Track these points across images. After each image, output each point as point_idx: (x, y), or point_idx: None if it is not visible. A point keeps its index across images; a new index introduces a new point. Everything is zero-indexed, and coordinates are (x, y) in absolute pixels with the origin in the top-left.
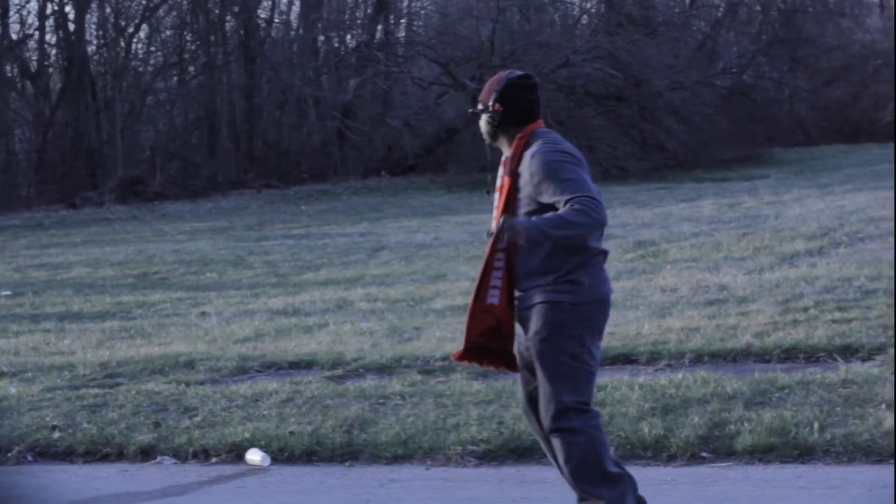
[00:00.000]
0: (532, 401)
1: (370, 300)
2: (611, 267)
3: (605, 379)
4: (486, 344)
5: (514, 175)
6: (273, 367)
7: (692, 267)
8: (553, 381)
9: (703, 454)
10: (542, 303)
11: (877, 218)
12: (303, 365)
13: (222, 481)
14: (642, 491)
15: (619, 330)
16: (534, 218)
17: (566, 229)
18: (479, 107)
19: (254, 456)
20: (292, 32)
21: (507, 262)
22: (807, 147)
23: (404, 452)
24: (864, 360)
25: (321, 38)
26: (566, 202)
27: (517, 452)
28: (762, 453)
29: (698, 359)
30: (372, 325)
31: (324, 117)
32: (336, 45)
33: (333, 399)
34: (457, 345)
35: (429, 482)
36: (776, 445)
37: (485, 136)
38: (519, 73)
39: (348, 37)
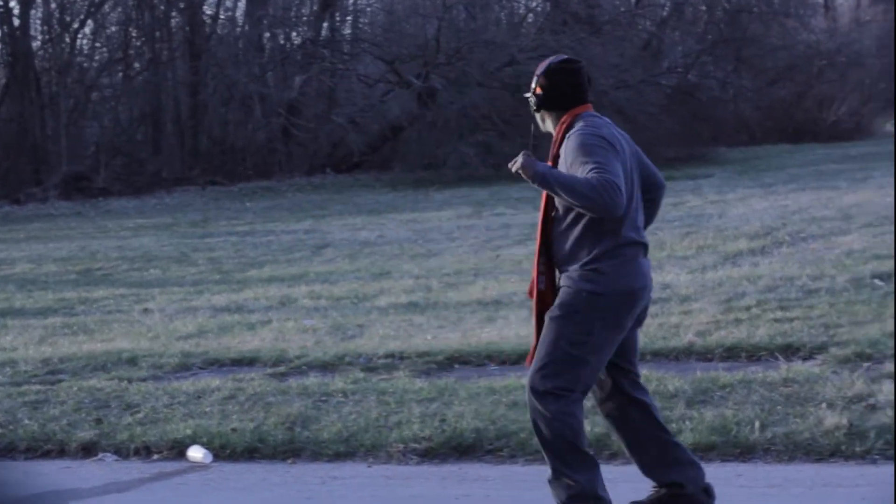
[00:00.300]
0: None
1: (314, 297)
2: None
3: None
4: None
5: (555, 158)
6: (216, 364)
7: None
8: (545, 359)
9: None
10: (565, 286)
11: (819, 218)
12: (245, 362)
13: (164, 478)
14: None
15: None
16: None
17: (569, 190)
18: (528, 93)
19: (196, 453)
20: (238, 29)
21: (545, 246)
22: (751, 147)
23: (346, 450)
24: (805, 359)
25: (267, 34)
26: (588, 172)
27: (459, 450)
28: (703, 451)
29: (640, 357)
30: (315, 322)
31: (269, 114)
32: (282, 41)
33: (276, 396)
34: (400, 342)
35: (370, 480)
36: (717, 444)
37: (536, 120)
38: (563, 57)
39: (294, 34)
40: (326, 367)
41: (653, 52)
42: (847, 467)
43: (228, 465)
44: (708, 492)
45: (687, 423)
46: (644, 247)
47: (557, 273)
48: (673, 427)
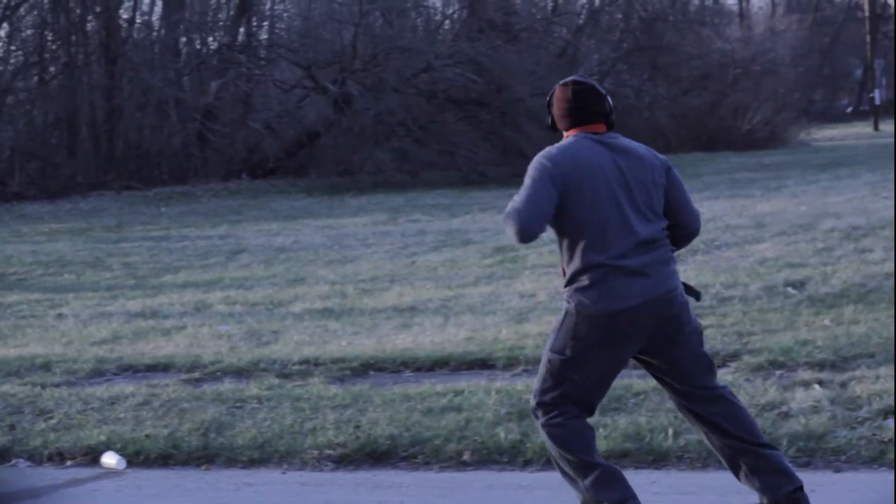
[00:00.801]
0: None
1: (229, 303)
2: (469, 273)
3: (462, 383)
4: None
5: None
6: (130, 369)
7: (550, 273)
8: (539, 375)
9: None
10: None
11: (733, 226)
12: (160, 368)
13: (77, 484)
14: (497, 497)
15: (476, 335)
16: None
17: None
18: None
19: (109, 459)
20: (154, 33)
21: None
22: (666, 154)
23: (261, 456)
24: (718, 366)
25: (183, 39)
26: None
27: (373, 457)
28: (617, 458)
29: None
30: (230, 328)
31: (185, 119)
32: (198, 46)
33: (190, 402)
34: (315, 348)
35: (285, 486)
36: (631, 451)
37: None
38: (571, 79)
39: (210, 38)
40: (241, 373)
41: (569, 59)
42: None
43: (142, 472)
44: (793, 500)
45: (601, 430)
46: (616, 269)
47: None
48: None
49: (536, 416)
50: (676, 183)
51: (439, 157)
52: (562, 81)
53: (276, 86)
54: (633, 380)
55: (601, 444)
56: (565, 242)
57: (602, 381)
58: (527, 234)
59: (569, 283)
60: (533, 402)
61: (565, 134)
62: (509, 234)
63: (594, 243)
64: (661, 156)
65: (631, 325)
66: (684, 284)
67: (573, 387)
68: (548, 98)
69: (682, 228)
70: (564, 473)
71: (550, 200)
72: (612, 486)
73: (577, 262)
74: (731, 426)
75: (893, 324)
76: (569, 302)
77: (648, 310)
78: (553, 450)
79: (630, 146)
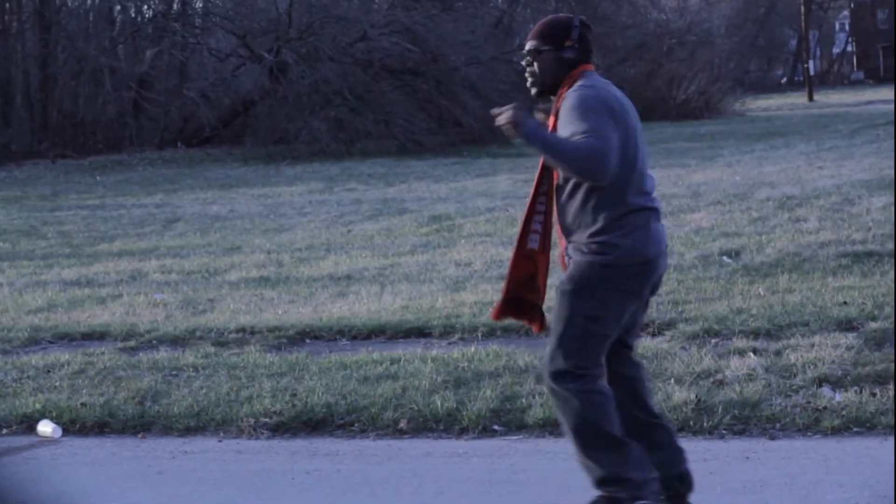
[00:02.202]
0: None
1: (165, 272)
2: (405, 241)
3: (399, 352)
4: (524, 295)
5: (556, 113)
6: (66, 338)
7: (486, 242)
8: (559, 339)
9: (495, 427)
10: (575, 259)
11: (668, 195)
12: (96, 336)
13: (13, 453)
14: (433, 465)
15: (412, 303)
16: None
17: (555, 153)
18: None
19: (45, 427)
20: (88, 1)
21: (547, 207)
22: None
23: (197, 424)
24: (654, 335)
25: (118, 7)
26: (579, 136)
27: (310, 425)
28: (553, 427)
29: (491, 333)
30: (166, 296)
31: (120, 88)
32: (133, 14)
33: (126, 370)
34: (251, 317)
35: (221, 454)
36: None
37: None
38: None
39: (145, 7)
40: (177, 341)
41: (504, 29)
42: (695, 442)
43: (78, 440)
44: (682, 479)
45: (536, 398)
46: (655, 212)
47: (561, 240)
48: (522, 402)
49: (564, 383)
50: None
51: (375, 126)
52: (571, 15)
53: (211, 55)
54: None
55: (538, 413)
56: (588, 189)
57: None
58: (612, 175)
59: (603, 232)
60: (554, 368)
61: (576, 70)
62: (590, 173)
63: (637, 186)
64: None
65: (657, 270)
66: None
67: (602, 344)
68: (571, 30)
69: None
70: (586, 446)
71: (616, 139)
72: (640, 464)
73: (619, 207)
74: (643, 394)
75: (894, 320)
76: (603, 253)
77: (664, 254)
78: (581, 420)
79: None
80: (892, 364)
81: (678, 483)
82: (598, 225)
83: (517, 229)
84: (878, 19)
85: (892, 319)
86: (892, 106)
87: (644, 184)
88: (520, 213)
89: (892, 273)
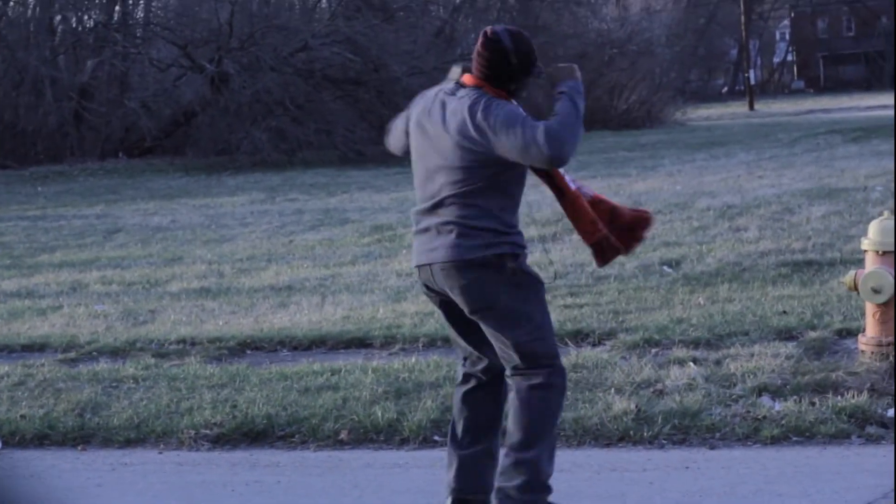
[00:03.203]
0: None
1: (105, 283)
2: (347, 252)
3: (340, 362)
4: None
5: None
6: (5, 350)
7: None
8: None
9: (436, 438)
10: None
11: None
12: (36, 348)
13: None
14: (374, 476)
15: (353, 314)
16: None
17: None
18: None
19: None
20: (29, 11)
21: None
22: None
23: (137, 436)
24: (594, 345)
25: (58, 17)
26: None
27: (250, 436)
28: None
29: (432, 343)
30: (106, 307)
31: (60, 98)
32: (73, 24)
33: (66, 382)
34: (192, 328)
35: (161, 466)
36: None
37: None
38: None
39: (86, 17)
40: (117, 352)
41: (446, 38)
42: (635, 452)
43: (17, 452)
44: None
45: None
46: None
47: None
48: None
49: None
50: None
51: (316, 136)
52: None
53: (152, 65)
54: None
55: None
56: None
57: None
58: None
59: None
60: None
61: (473, 81)
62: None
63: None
64: None
65: (422, 281)
66: None
67: (549, 325)
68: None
69: None
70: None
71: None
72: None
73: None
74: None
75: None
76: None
77: (426, 269)
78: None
79: None
80: (830, 374)
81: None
82: (503, 226)
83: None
84: (817, 28)
85: (833, 329)
86: (830, 115)
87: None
88: None
89: (832, 282)
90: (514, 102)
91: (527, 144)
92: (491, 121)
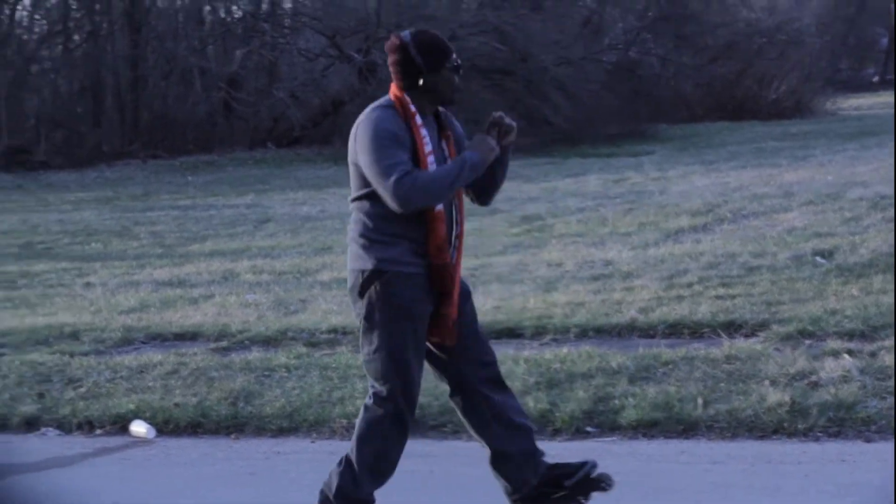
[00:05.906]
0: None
1: (256, 272)
2: (497, 241)
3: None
4: None
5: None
6: (158, 338)
7: (578, 242)
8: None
9: (588, 429)
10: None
11: (760, 195)
12: (188, 337)
13: (107, 453)
14: None
15: (504, 304)
16: None
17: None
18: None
19: (138, 428)
20: (178, 2)
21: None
22: (691, 124)
23: (289, 425)
24: (747, 336)
25: (207, 7)
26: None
27: None
28: (646, 428)
29: (583, 333)
30: (258, 297)
31: (209, 88)
32: (222, 15)
33: (219, 371)
34: (343, 317)
35: (314, 455)
36: (660, 420)
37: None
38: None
39: (234, 7)
40: (269, 342)
41: (593, 28)
42: (790, 444)
43: (171, 440)
44: None
45: (630, 399)
46: None
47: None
48: (615, 404)
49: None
50: None
51: (465, 125)
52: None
53: (300, 55)
54: (662, 349)
55: (631, 414)
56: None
57: None
58: None
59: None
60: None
61: (391, 90)
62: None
63: None
64: None
65: None
66: None
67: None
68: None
69: None
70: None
71: None
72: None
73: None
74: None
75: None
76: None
77: None
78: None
79: None
80: None
81: None
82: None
83: (607, 229)
84: None
85: None
86: None
87: None
88: (610, 214)
89: None
90: (419, 118)
91: (377, 179)
92: (359, 141)
